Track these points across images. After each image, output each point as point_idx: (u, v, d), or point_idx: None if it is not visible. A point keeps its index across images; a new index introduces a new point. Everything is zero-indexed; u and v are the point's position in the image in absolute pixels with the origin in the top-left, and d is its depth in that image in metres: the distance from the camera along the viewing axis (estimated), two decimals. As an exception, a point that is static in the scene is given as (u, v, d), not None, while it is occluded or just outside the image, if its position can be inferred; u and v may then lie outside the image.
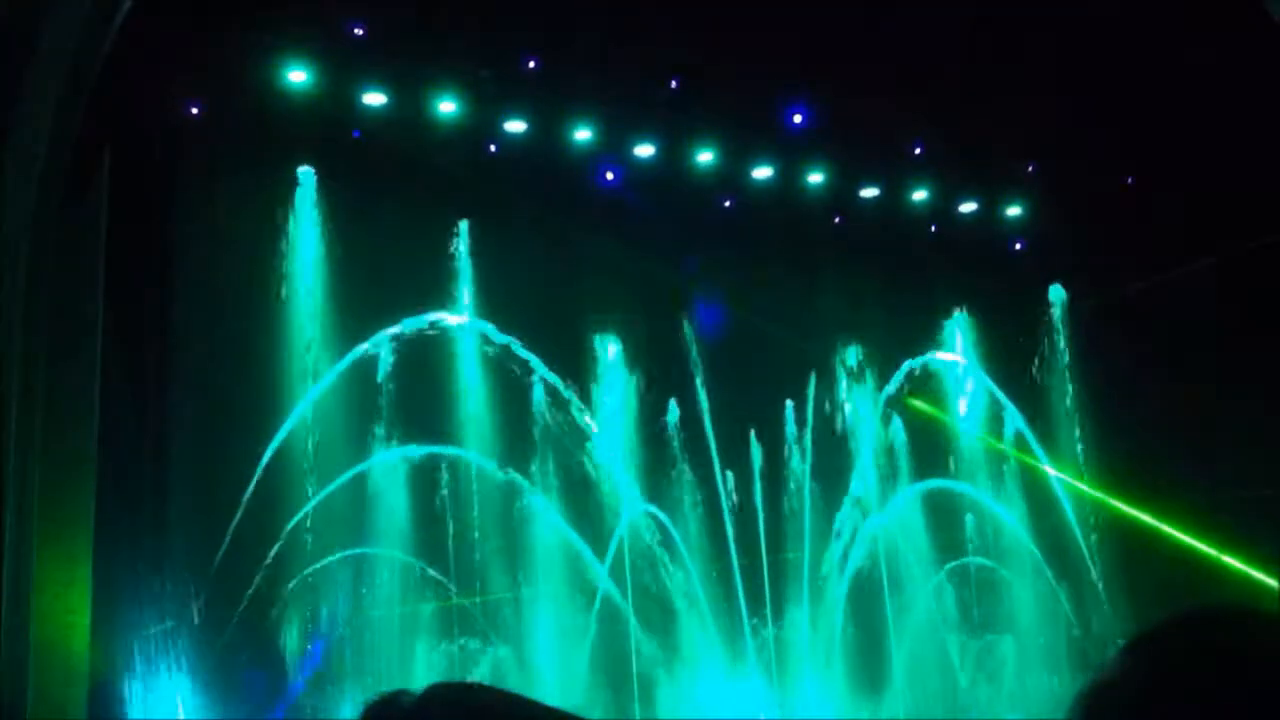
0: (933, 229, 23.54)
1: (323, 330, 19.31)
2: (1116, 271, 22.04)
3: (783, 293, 21.96)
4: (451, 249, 20.31)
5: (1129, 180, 22.52)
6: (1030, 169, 23.36)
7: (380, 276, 19.44)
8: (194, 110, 18.95)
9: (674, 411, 21.06)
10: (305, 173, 19.46)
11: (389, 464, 19.09)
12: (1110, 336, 21.70)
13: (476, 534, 19.40)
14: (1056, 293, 23.09)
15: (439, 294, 20.12)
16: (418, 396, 19.54)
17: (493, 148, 20.72)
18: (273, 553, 17.94)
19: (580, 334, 20.90)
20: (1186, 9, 18.45)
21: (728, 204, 22.41)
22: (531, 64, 20.46)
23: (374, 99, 19.85)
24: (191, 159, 18.85)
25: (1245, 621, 1.75)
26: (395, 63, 19.68)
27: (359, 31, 19.52)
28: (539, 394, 20.46)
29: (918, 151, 22.85)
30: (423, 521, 19.18)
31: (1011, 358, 22.84)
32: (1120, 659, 1.76)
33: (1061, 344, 23.02)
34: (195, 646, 17.24)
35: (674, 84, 21.15)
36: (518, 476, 19.87)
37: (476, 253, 20.30)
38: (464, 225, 20.37)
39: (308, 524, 18.28)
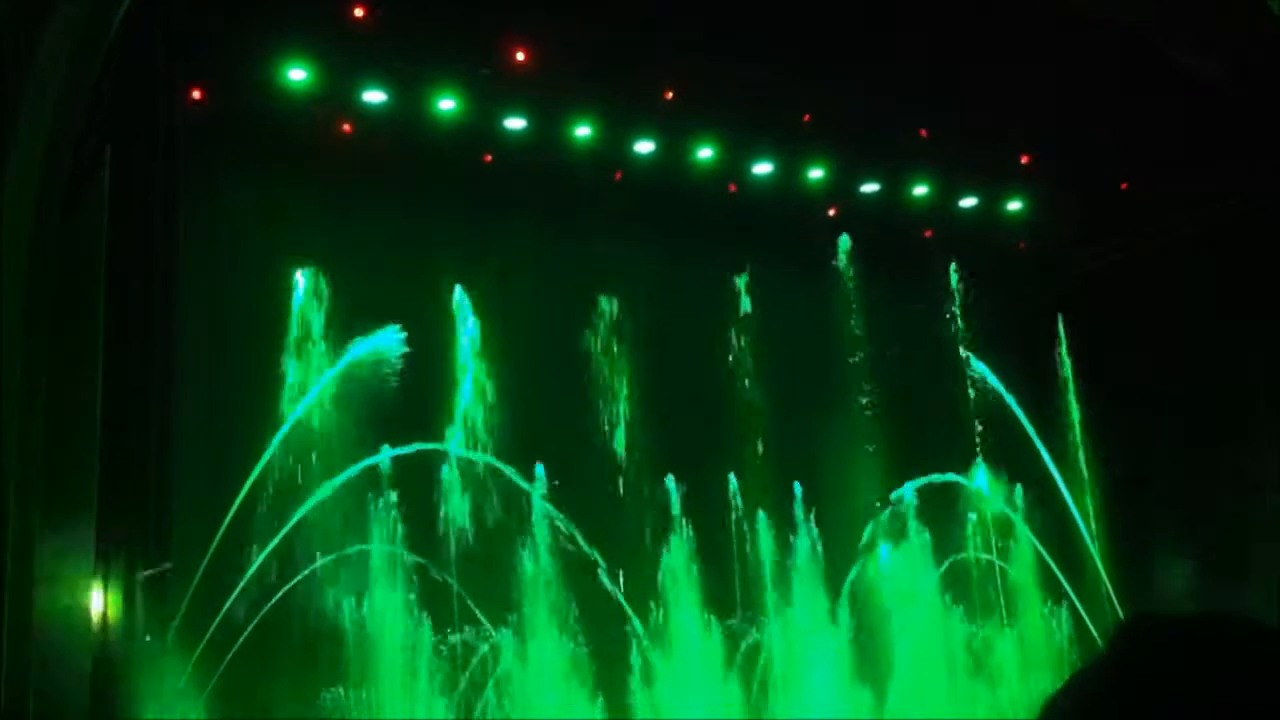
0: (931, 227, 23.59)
1: (325, 324, 19.32)
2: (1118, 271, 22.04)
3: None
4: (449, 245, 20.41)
5: (1128, 177, 22.52)
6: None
7: (381, 272, 19.46)
8: (194, 108, 18.97)
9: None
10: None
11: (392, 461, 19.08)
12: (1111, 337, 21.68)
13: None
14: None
15: (439, 291, 20.15)
16: (419, 394, 19.52)
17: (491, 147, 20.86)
18: (275, 549, 17.92)
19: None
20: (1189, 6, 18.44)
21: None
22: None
23: (374, 96, 20.05)
24: (192, 157, 18.84)
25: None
26: (396, 59, 19.82)
27: (359, 28, 19.59)
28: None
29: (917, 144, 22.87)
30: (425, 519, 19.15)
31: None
32: (1098, 668, 1.66)
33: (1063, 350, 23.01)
34: (198, 644, 17.22)
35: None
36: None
37: (474, 247, 20.38)
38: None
39: (310, 520, 18.26)
